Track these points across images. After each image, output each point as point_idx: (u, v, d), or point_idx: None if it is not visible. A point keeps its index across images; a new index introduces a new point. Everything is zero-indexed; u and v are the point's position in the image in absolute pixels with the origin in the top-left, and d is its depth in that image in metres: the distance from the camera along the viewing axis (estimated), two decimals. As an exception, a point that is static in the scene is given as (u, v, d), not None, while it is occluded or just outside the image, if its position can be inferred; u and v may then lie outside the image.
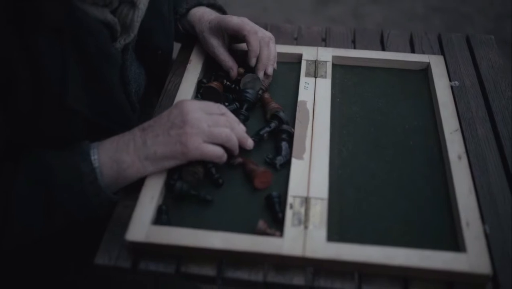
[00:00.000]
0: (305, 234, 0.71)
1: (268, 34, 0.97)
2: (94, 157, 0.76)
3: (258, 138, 0.86)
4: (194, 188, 0.78)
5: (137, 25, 0.88)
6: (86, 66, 0.79)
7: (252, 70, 0.95)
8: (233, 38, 1.00)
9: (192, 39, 1.06)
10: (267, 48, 0.95)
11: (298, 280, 0.69)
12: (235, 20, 0.94)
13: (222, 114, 0.81)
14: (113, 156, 0.76)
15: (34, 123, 0.77)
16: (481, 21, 2.76)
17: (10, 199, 0.71)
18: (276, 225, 0.74)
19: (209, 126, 0.78)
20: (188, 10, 1.03)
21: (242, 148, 0.83)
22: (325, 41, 1.12)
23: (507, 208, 0.78)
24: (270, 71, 0.96)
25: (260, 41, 0.94)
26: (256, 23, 0.98)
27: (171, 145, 0.77)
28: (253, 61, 0.94)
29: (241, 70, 0.97)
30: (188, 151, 0.77)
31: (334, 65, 1.02)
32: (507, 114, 0.93)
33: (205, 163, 0.80)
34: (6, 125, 0.74)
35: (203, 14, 1.02)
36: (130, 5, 0.85)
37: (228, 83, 0.96)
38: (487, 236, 0.73)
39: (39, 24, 0.71)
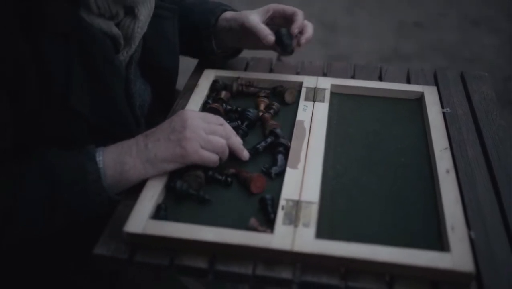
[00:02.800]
0: (295, 231, 0.74)
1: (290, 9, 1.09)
2: (99, 158, 0.81)
3: (254, 151, 0.91)
4: (193, 189, 0.83)
5: (138, 36, 0.94)
6: (90, 72, 0.85)
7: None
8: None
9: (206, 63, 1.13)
10: (309, 26, 1.07)
11: (286, 274, 0.72)
12: (284, 5, 1.09)
13: (220, 125, 0.87)
14: (116, 158, 0.82)
15: (38, 122, 0.82)
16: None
17: (16, 194, 0.76)
18: (268, 224, 0.78)
19: (207, 133, 0.84)
20: (218, 17, 1.11)
21: (238, 159, 0.88)
22: (325, 75, 1.19)
23: (495, 219, 0.80)
24: (302, 41, 1.05)
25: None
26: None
27: (171, 149, 0.82)
28: (295, 31, 1.04)
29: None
30: (187, 154, 0.82)
31: (332, 93, 1.08)
32: (497, 139, 0.97)
33: (205, 169, 0.85)
34: (13, 122, 0.79)
35: (233, 14, 1.12)
36: (132, 17, 0.91)
37: (228, 107, 1.02)
38: (472, 241, 0.75)
39: (46, 27, 0.79)
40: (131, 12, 0.91)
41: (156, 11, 0.99)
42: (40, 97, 0.80)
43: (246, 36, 1.08)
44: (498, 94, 2.59)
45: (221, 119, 0.89)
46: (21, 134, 0.82)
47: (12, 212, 0.76)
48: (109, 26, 0.88)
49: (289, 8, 1.08)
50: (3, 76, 0.76)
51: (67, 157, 0.80)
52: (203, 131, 0.84)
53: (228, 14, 1.12)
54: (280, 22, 1.09)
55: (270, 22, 1.10)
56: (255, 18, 1.06)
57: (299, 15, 1.06)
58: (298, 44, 1.05)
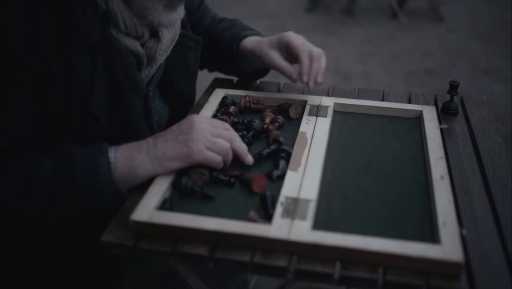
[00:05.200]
0: (292, 223, 0.78)
1: (319, 50, 1.09)
2: (111, 154, 0.87)
3: (257, 156, 0.95)
4: (198, 185, 0.87)
5: (159, 57, 1.02)
6: (112, 83, 0.93)
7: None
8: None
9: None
10: (318, 62, 1.07)
11: (282, 262, 0.75)
12: (294, 38, 1.09)
13: (226, 129, 0.93)
14: (127, 154, 0.87)
15: (59, 123, 0.89)
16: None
17: (34, 177, 0.82)
18: (267, 219, 0.81)
19: (213, 136, 0.89)
20: (239, 44, 1.18)
21: (242, 164, 0.93)
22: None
23: (488, 221, 0.83)
24: (320, 80, 1.07)
25: (312, 55, 1.07)
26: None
27: (178, 148, 0.88)
28: (305, 78, 1.06)
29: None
30: (193, 153, 0.87)
31: (335, 111, 1.13)
32: (492, 153, 1.00)
33: (209, 170, 0.90)
34: (37, 118, 0.86)
35: (253, 45, 1.15)
36: (156, 39, 1.00)
37: (235, 119, 1.08)
38: (463, 237, 0.78)
39: (76, 39, 0.86)
40: (155, 34, 0.99)
41: (182, 40, 1.07)
42: (63, 100, 0.87)
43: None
44: (507, 139, 2.62)
45: (227, 125, 0.94)
46: (42, 131, 0.88)
47: (26, 198, 0.81)
48: (135, 45, 0.96)
49: (295, 48, 1.08)
50: (33, 76, 0.84)
51: (82, 150, 0.85)
52: (209, 134, 0.89)
53: (248, 44, 1.17)
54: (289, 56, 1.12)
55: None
56: (276, 57, 1.10)
57: (304, 60, 1.06)
58: (318, 84, 1.08)
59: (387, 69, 3.69)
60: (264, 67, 1.21)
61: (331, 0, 5.14)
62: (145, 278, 1.07)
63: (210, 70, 1.34)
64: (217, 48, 1.22)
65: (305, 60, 1.06)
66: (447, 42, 4.17)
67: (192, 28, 1.16)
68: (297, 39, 1.09)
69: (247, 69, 1.22)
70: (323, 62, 1.09)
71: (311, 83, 1.06)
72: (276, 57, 1.11)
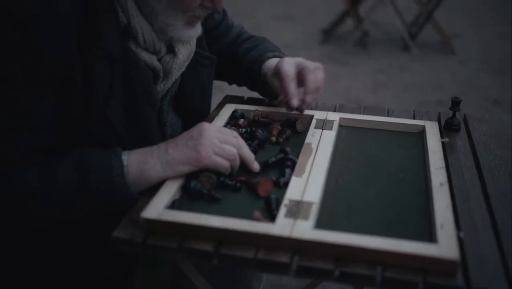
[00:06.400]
0: (294, 222, 0.81)
1: (315, 64, 1.12)
2: (125, 157, 0.92)
3: (264, 164, 1.00)
4: (206, 188, 0.91)
5: (175, 72, 1.07)
6: (129, 94, 0.98)
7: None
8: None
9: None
10: (313, 75, 1.10)
11: (285, 259, 0.78)
12: (283, 65, 1.12)
13: (235, 137, 0.97)
14: (139, 158, 0.92)
15: (78, 129, 0.94)
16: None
17: (49, 176, 0.86)
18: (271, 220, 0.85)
19: (221, 142, 0.94)
20: (261, 65, 1.23)
21: (249, 171, 0.97)
22: (337, 114, 1.29)
23: (486, 227, 0.85)
24: (313, 97, 1.11)
25: (305, 73, 1.11)
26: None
27: (187, 153, 0.92)
28: (293, 101, 1.10)
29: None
30: (202, 158, 0.92)
31: (341, 126, 1.17)
32: (493, 165, 1.03)
33: (217, 175, 0.94)
34: (57, 122, 0.91)
35: (272, 65, 1.20)
36: (172, 55, 1.06)
37: (243, 129, 1.13)
38: (461, 240, 0.80)
39: (98, 51, 0.92)
40: (172, 50, 1.05)
41: (197, 57, 1.13)
42: (82, 107, 0.93)
43: None
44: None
45: (235, 133, 0.99)
46: (60, 136, 0.93)
47: (39, 196, 0.86)
48: (152, 59, 1.02)
49: (281, 76, 1.12)
50: (56, 82, 0.89)
51: (97, 153, 0.90)
52: (217, 140, 0.94)
53: (265, 68, 1.22)
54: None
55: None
56: (275, 85, 1.16)
57: (287, 85, 1.11)
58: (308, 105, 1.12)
59: (398, 100, 3.73)
60: None
61: (344, 33, 5.24)
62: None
63: (239, 85, 1.39)
64: (241, 67, 1.28)
65: (289, 85, 1.10)
66: (458, 74, 4.22)
67: (210, 45, 1.22)
68: (286, 65, 1.11)
69: (269, 89, 1.26)
70: (319, 75, 1.12)
71: (295, 103, 1.10)
72: (275, 85, 1.16)
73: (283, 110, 1.24)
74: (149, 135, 1.04)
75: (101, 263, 1.01)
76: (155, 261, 1.07)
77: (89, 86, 0.92)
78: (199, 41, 1.13)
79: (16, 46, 0.84)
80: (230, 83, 1.40)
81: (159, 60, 1.05)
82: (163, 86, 1.08)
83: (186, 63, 1.10)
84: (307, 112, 1.22)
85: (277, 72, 1.14)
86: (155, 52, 1.03)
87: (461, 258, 0.76)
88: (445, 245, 0.76)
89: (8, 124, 0.87)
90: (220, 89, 1.39)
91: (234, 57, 1.29)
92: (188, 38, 1.05)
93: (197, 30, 1.05)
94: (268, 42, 1.34)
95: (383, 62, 4.51)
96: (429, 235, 0.81)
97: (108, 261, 1.01)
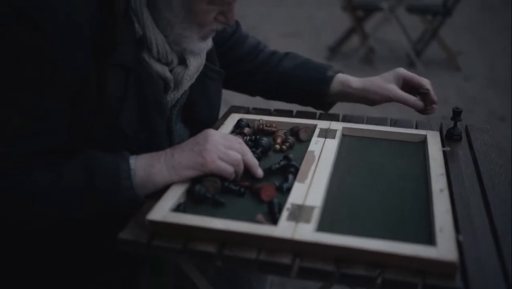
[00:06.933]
0: (296, 225, 0.83)
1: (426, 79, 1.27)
2: (132, 161, 0.94)
3: (267, 170, 1.02)
4: (210, 193, 0.93)
5: (185, 82, 1.10)
6: (141, 102, 1.01)
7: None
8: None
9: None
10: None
11: (287, 260, 0.79)
12: (408, 72, 1.28)
13: (239, 143, 1.00)
14: (146, 162, 0.95)
15: (89, 134, 0.96)
16: None
17: (57, 177, 0.89)
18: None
19: (225, 148, 0.96)
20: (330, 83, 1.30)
21: (253, 177, 0.99)
22: (340, 123, 1.31)
23: (485, 232, 0.86)
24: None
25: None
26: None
27: (193, 158, 0.95)
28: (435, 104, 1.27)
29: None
30: (206, 163, 0.94)
31: (343, 135, 1.19)
32: (493, 174, 1.05)
33: (222, 180, 0.96)
34: (69, 126, 0.94)
35: (361, 83, 1.29)
36: (184, 66, 1.08)
37: (248, 137, 1.15)
38: (460, 244, 0.82)
39: (113, 60, 0.95)
40: (183, 62, 1.08)
41: (206, 71, 1.17)
42: (94, 113, 0.95)
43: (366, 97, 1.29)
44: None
45: (239, 139, 1.01)
46: (73, 140, 0.96)
47: (47, 196, 0.88)
48: (164, 70, 1.05)
49: (414, 80, 1.26)
50: (70, 88, 0.92)
51: (105, 156, 0.93)
52: (222, 146, 0.96)
53: (354, 83, 1.30)
54: (404, 87, 1.27)
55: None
56: (398, 89, 1.25)
57: (429, 88, 1.25)
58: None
59: (404, 116, 3.73)
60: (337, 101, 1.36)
61: (350, 50, 5.29)
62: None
63: (269, 99, 1.44)
64: (294, 89, 1.34)
65: (430, 88, 1.24)
66: (463, 90, 4.25)
67: (221, 57, 1.25)
68: (411, 73, 1.27)
69: (329, 101, 1.34)
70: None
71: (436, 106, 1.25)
72: (398, 89, 1.25)
73: (287, 119, 1.26)
74: (157, 143, 1.06)
75: (104, 264, 1.03)
76: (159, 265, 1.09)
77: (102, 93, 0.94)
78: (208, 54, 1.16)
79: (35, 53, 0.86)
80: (253, 95, 1.44)
81: (171, 71, 1.07)
82: (173, 96, 1.11)
83: (196, 75, 1.13)
84: (311, 122, 1.24)
85: (405, 77, 1.26)
86: (167, 63, 1.05)
87: (460, 261, 0.78)
88: (444, 248, 0.77)
89: (20, 125, 0.89)
90: (224, 100, 1.41)
91: (282, 78, 1.34)
92: (200, 51, 1.08)
93: (208, 43, 1.09)
94: (305, 58, 1.42)
95: (388, 78, 4.53)
96: (429, 238, 0.83)
97: (111, 262, 1.03)
